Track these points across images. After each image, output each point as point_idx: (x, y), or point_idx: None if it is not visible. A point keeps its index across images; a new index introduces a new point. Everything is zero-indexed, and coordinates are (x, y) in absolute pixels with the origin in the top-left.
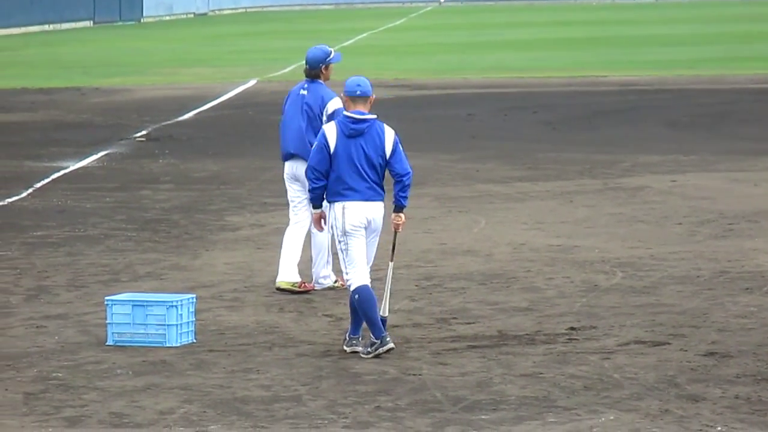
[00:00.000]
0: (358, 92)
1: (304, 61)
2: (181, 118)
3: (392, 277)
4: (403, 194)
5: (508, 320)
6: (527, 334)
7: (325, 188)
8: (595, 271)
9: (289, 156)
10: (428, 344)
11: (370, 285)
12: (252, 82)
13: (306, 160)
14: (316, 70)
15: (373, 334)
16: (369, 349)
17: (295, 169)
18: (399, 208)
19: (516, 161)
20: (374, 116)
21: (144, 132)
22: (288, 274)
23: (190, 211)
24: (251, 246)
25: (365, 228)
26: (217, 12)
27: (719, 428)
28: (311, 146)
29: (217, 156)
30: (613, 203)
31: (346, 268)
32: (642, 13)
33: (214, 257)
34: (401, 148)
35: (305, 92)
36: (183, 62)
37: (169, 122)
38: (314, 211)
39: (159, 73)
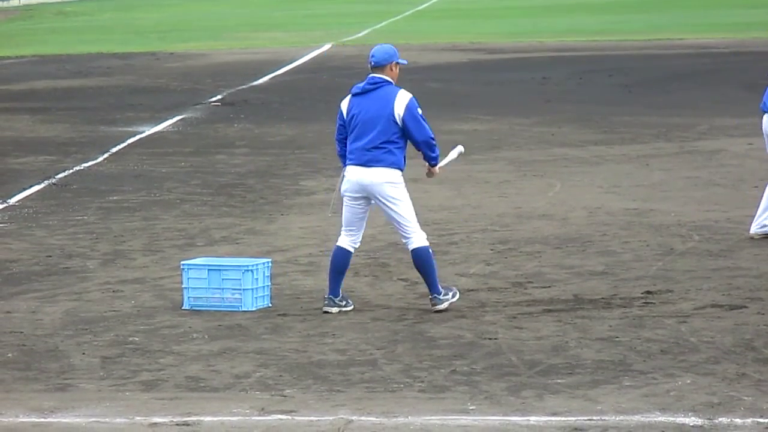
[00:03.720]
0: (372, 62)
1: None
2: (255, 83)
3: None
4: (430, 155)
5: (583, 284)
6: (603, 298)
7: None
8: (671, 235)
9: None
10: (504, 308)
11: (347, 249)
12: (327, 46)
13: None
14: None
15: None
16: None
17: None
18: (431, 164)
19: (591, 125)
20: (388, 81)
21: (219, 96)
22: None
23: (265, 176)
24: (326, 210)
25: (362, 197)
26: None
27: None
28: None
29: (291, 120)
30: (689, 166)
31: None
32: None
33: (290, 221)
34: (418, 114)
35: None
36: (258, 26)
37: (243, 87)
38: None
39: (234, 37)
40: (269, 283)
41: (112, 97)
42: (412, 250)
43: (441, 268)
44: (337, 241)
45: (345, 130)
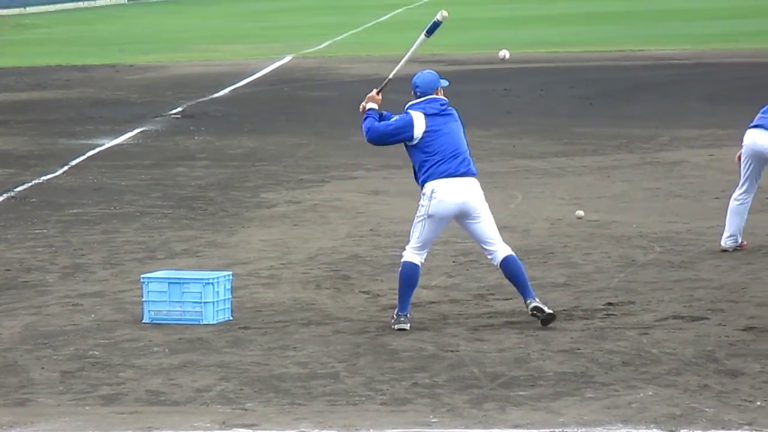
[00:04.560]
0: (418, 93)
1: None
2: (216, 95)
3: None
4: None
5: (545, 296)
6: (565, 310)
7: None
8: (632, 246)
9: None
10: (465, 320)
11: (414, 262)
12: (287, 59)
13: None
14: None
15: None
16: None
17: None
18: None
19: (553, 136)
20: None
21: (179, 109)
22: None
23: (225, 188)
24: (287, 223)
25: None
26: None
27: (758, 403)
28: None
29: (252, 133)
30: (651, 178)
31: None
32: None
33: (251, 234)
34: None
35: None
36: (218, 39)
37: (204, 99)
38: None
39: (194, 49)
40: (230, 296)
41: (71, 109)
42: (505, 257)
43: None
44: (403, 257)
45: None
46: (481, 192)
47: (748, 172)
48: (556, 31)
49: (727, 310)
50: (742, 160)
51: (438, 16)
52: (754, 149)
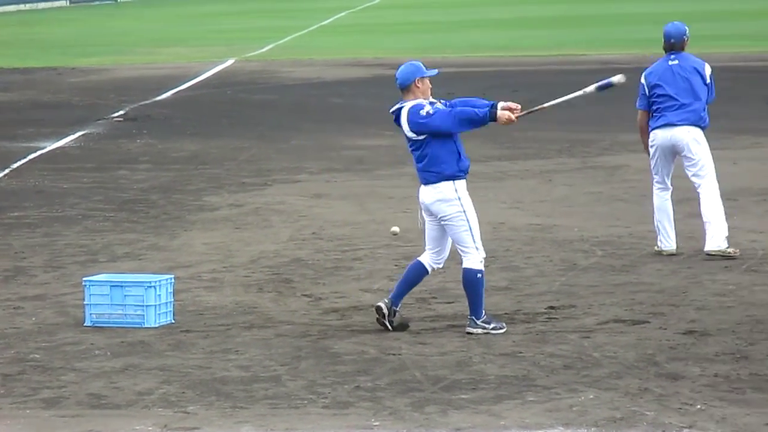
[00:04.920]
0: (398, 86)
1: (664, 38)
2: (159, 98)
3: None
4: (481, 111)
5: (487, 299)
6: (506, 314)
7: None
8: (574, 250)
9: None
10: (408, 324)
11: (425, 265)
12: (230, 62)
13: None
14: (681, 41)
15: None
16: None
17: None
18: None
19: (495, 140)
20: (402, 104)
21: (122, 112)
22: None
23: (168, 192)
24: (230, 226)
25: (428, 213)
26: None
27: (699, 406)
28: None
29: (195, 136)
30: (592, 182)
31: None
32: None
33: (193, 237)
34: (422, 120)
35: (676, 61)
36: (161, 42)
37: (147, 102)
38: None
39: (137, 52)
40: (172, 300)
41: (12, 112)
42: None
43: (345, 284)
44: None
45: None
46: (441, 197)
47: (662, 168)
48: (499, 35)
49: (667, 313)
50: (656, 157)
51: (615, 79)
52: (666, 145)
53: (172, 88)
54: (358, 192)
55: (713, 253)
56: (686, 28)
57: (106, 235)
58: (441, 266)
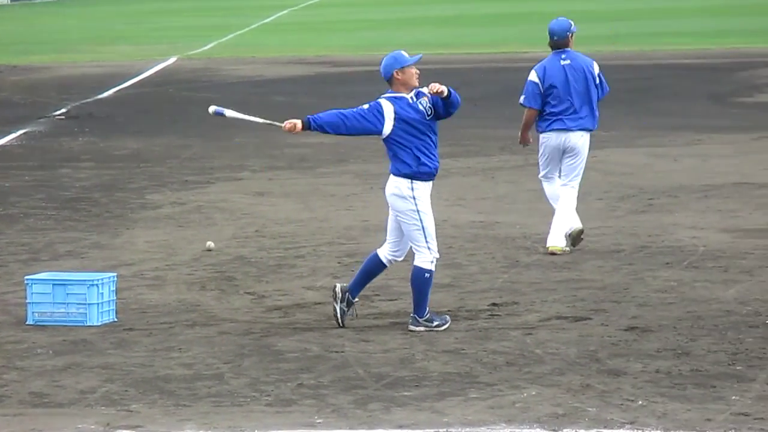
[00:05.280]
0: (383, 74)
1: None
2: (100, 96)
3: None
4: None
5: (430, 296)
6: (449, 311)
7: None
8: (516, 247)
9: None
10: (351, 321)
11: (381, 258)
12: (172, 60)
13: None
14: (565, 39)
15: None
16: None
17: None
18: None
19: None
20: (380, 97)
21: (63, 110)
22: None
23: (110, 190)
24: (172, 224)
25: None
26: None
27: (640, 402)
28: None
29: (137, 134)
30: (534, 179)
31: None
32: None
33: (135, 235)
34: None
35: (567, 61)
36: (102, 40)
37: (88, 100)
38: None
39: (78, 50)
40: (115, 298)
41: None
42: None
43: (288, 282)
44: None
45: None
46: (398, 192)
47: (552, 167)
48: (442, 33)
49: (609, 310)
50: (546, 156)
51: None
52: (559, 148)
53: (115, 87)
54: (301, 190)
55: (556, 251)
56: (570, 23)
57: (49, 234)
58: (400, 259)
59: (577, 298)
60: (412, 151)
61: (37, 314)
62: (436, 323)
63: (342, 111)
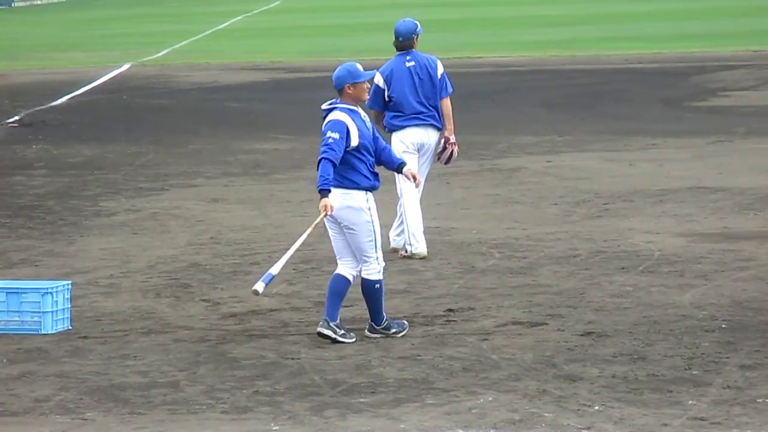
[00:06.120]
0: (334, 85)
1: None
2: (54, 103)
3: (294, 249)
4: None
5: (386, 303)
6: (405, 316)
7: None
8: (472, 253)
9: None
10: (306, 328)
11: (344, 276)
12: (126, 67)
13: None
14: (410, 40)
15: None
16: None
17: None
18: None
19: None
20: (334, 105)
21: (16, 117)
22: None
23: (64, 197)
24: (127, 231)
25: (332, 220)
26: None
27: (596, 407)
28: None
29: (91, 141)
30: (490, 184)
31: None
32: None
33: (90, 243)
34: (323, 144)
35: (412, 63)
36: (55, 47)
37: (42, 107)
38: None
39: (31, 57)
40: (69, 306)
41: None
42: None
43: (243, 289)
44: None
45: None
46: (352, 204)
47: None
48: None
49: (565, 315)
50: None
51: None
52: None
53: (68, 94)
54: (256, 196)
55: (406, 254)
56: (416, 25)
57: (2, 242)
58: (383, 264)
59: (533, 304)
60: (367, 165)
61: None
62: (393, 330)
63: (327, 156)
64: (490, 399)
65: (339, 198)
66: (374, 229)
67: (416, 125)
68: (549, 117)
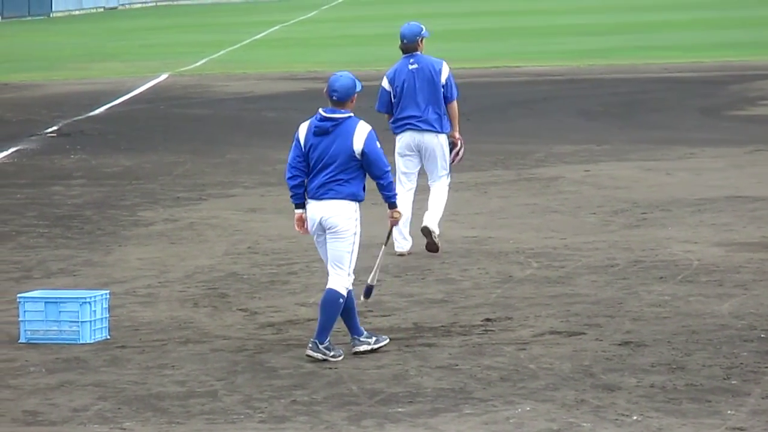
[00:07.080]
0: (334, 97)
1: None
2: (92, 113)
3: (380, 258)
4: (387, 193)
5: (423, 312)
6: (443, 326)
7: (304, 186)
8: (509, 262)
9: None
10: (344, 337)
11: (330, 287)
12: (163, 77)
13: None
14: (414, 43)
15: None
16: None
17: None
18: (390, 205)
19: None
20: (347, 114)
21: (55, 127)
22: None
23: (102, 207)
24: (164, 241)
25: (322, 230)
26: (127, 6)
27: (635, 417)
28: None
29: (129, 151)
30: (527, 194)
31: None
32: (554, 3)
33: (128, 253)
34: (377, 147)
35: (415, 65)
36: (93, 57)
37: (80, 117)
38: (295, 210)
39: (69, 68)
40: (107, 315)
41: None
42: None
43: (280, 298)
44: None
45: (303, 161)
46: (345, 211)
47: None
48: (432, 48)
49: (603, 324)
50: (405, 159)
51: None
52: (414, 150)
53: (106, 104)
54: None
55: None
56: (422, 28)
57: (41, 251)
58: (353, 277)
59: (571, 313)
60: (364, 178)
61: (29, 332)
62: (332, 353)
63: (386, 169)
64: (528, 409)
65: (331, 207)
66: (356, 242)
67: (409, 130)
68: (587, 126)
